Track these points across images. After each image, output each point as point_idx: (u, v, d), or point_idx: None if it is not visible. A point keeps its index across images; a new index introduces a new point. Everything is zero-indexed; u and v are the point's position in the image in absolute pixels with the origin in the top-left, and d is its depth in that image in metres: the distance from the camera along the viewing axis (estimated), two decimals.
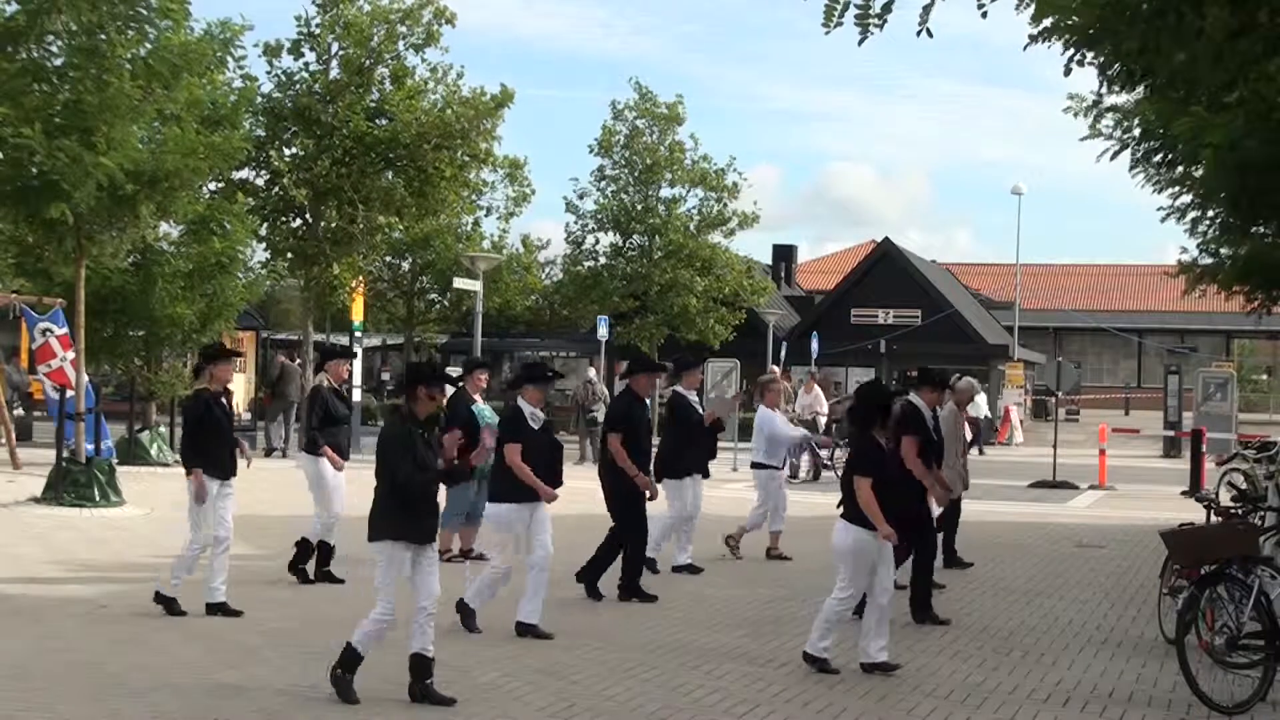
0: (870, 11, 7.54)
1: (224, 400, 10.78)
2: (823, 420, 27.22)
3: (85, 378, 18.49)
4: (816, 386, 28.20)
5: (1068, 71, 8.68)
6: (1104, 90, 11.30)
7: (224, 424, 10.67)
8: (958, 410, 13.16)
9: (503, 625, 10.46)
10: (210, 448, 10.56)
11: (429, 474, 8.09)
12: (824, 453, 25.16)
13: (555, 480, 10.23)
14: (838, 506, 9.31)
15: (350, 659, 8.04)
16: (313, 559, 12.31)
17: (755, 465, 14.82)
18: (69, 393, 18.38)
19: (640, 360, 12.72)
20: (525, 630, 9.98)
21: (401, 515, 8.00)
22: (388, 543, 8.02)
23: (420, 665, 8.02)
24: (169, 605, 10.46)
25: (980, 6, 7.69)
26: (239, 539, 14.84)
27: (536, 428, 10.11)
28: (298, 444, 27.54)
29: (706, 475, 13.69)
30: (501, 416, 10.07)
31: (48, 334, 19.34)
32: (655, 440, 12.92)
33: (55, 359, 19.17)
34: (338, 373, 12.63)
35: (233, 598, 10.61)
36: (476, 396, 13.30)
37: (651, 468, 12.29)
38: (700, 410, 13.69)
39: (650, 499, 11.83)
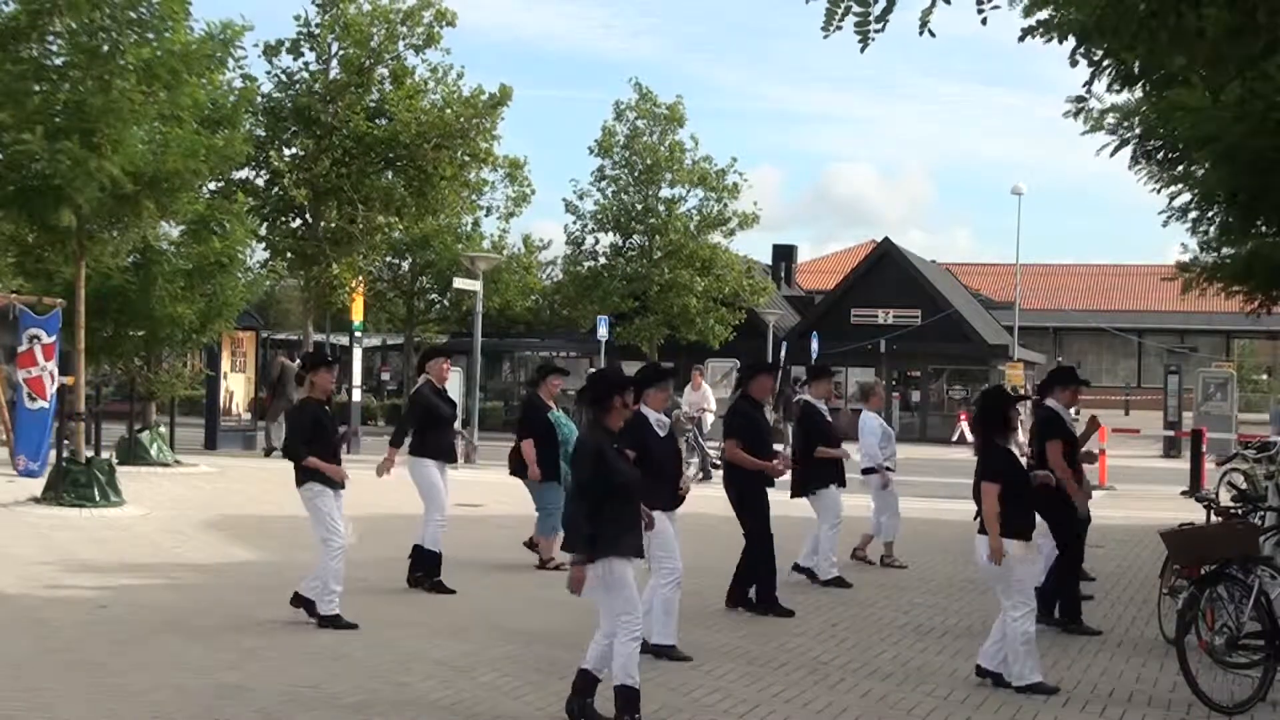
0: (870, 17, 7.54)
1: (328, 409, 10.52)
2: (710, 418, 26.44)
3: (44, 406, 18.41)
4: (704, 383, 27.39)
5: (1074, 63, 8.67)
6: (1102, 89, 11.28)
7: (331, 434, 10.38)
8: None
9: (503, 625, 10.46)
10: (320, 458, 10.27)
11: (632, 487, 7.72)
12: (713, 452, 24.52)
13: (676, 493, 9.68)
14: (975, 518, 9.02)
15: (630, 699, 7.58)
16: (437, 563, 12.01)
17: (866, 471, 14.48)
18: (40, 403, 18.36)
19: (753, 364, 12.16)
20: (663, 652, 9.39)
21: (613, 529, 7.55)
22: (604, 560, 7.54)
23: (626, 698, 7.59)
24: (333, 622, 10.14)
25: (979, 11, 7.71)
26: (247, 542, 14.90)
27: (663, 435, 9.58)
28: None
29: (843, 485, 13.25)
30: (624, 424, 9.73)
31: (34, 341, 19.20)
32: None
33: (35, 367, 19.03)
34: (440, 372, 12.35)
35: (243, 602, 10.57)
36: (550, 402, 13.16)
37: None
38: (830, 420, 13.29)
39: (779, 475, 11.49)
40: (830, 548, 13.04)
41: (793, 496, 13.08)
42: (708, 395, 26.64)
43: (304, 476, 10.32)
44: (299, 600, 10.34)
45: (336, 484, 10.38)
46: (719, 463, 23.93)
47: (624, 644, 7.54)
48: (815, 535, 13.16)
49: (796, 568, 13.03)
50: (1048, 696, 8.64)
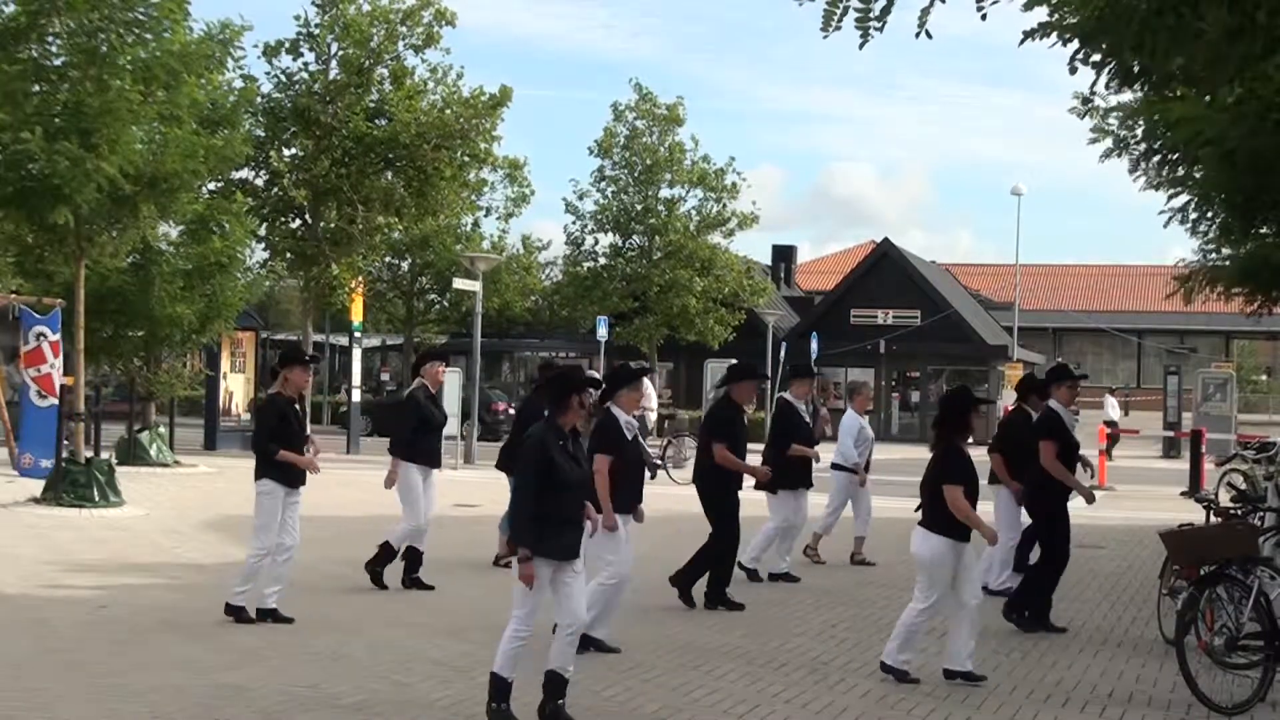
0: (870, 15, 7.52)
1: (297, 407, 10.52)
2: (652, 418, 26.45)
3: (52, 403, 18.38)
4: (646, 381, 27.43)
5: (1073, 70, 8.67)
6: (1103, 89, 11.28)
7: (297, 432, 10.39)
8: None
9: (502, 625, 10.45)
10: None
11: (572, 487, 7.70)
12: (653, 451, 24.44)
13: (638, 495, 9.78)
14: (916, 510, 9.16)
15: (500, 688, 7.60)
16: (390, 564, 12.03)
17: (835, 467, 14.50)
18: (50, 400, 18.36)
19: (741, 367, 12.21)
20: (588, 642, 9.36)
21: (541, 529, 7.54)
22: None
23: (553, 683, 7.63)
24: (237, 615, 10.21)
25: (979, 8, 7.69)
26: (247, 542, 14.89)
27: (630, 438, 9.64)
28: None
29: (809, 486, 13.34)
30: (595, 425, 9.57)
31: (41, 338, 19.26)
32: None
33: (45, 364, 19.09)
34: (434, 377, 12.33)
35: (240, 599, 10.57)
36: None
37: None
38: (808, 421, 13.37)
39: (764, 478, 11.55)
40: (765, 544, 13.00)
41: (755, 488, 13.05)
42: (649, 394, 26.66)
43: (262, 471, 10.33)
44: (264, 613, 10.32)
45: (295, 484, 10.40)
46: (659, 462, 24.06)
47: (506, 638, 7.60)
48: (767, 534, 13.19)
49: (772, 575, 12.99)
50: (975, 685, 8.84)
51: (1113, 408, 35.27)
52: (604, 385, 9.71)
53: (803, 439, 13.13)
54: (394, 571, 12.07)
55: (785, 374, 13.61)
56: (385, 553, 12.04)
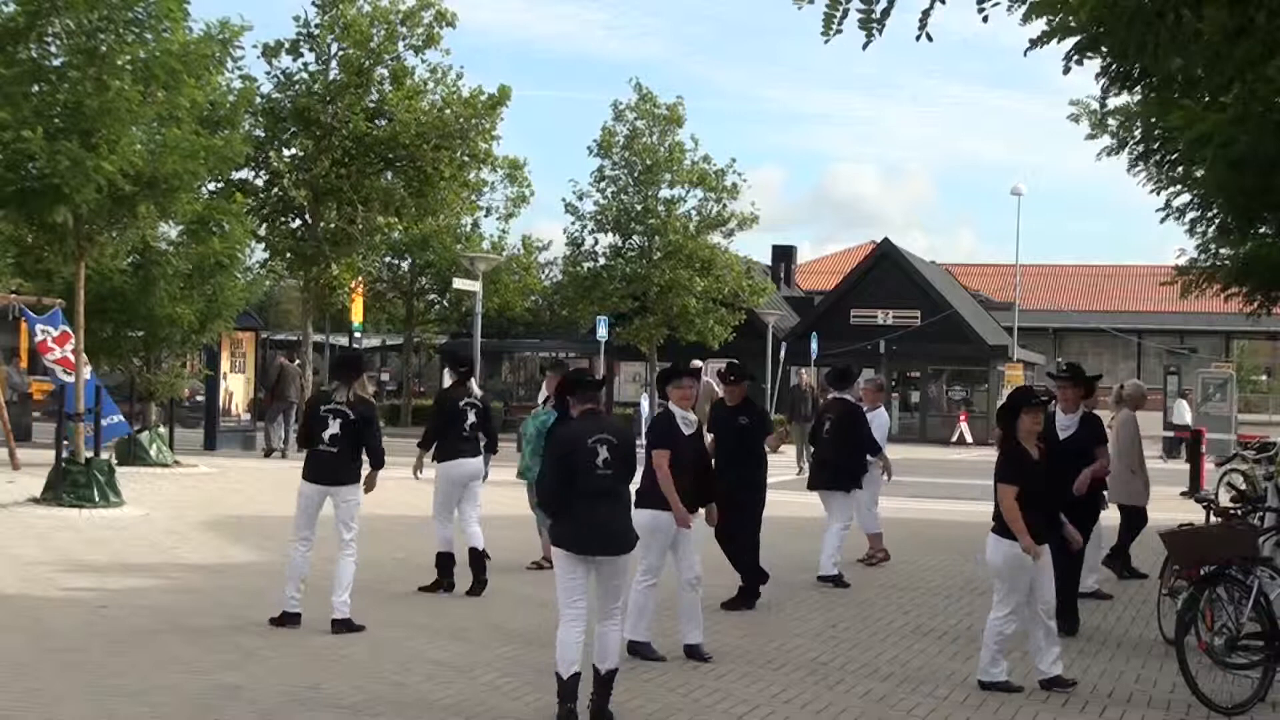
0: (872, 16, 7.51)
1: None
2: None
3: (85, 377, 18.46)
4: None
5: (1066, 70, 8.67)
6: (1103, 91, 11.29)
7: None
8: (1133, 415, 13.10)
9: (503, 626, 10.47)
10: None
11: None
12: None
13: (708, 493, 9.69)
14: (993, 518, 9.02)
15: (606, 681, 7.75)
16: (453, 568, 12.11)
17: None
18: (85, 373, 18.42)
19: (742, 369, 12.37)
20: (692, 653, 9.47)
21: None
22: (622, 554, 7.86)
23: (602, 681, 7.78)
24: (347, 625, 10.03)
25: (980, 10, 7.68)
26: (247, 542, 14.90)
27: (689, 433, 9.53)
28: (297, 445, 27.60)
29: (860, 488, 13.56)
30: (652, 421, 9.59)
31: (45, 334, 19.45)
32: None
33: (59, 349, 19.31)
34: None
35: (243, 603, 10.56)
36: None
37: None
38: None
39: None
40: (837, 547, 13.09)
41: (810, 487, 13.46)
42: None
43: (357, 475, 10.42)
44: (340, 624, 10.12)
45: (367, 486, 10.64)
46: None
47: (616, 631, 7.82)
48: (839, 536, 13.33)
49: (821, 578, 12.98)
50: (1020, 695, 8.67)
51: (1185, 411, 34.57)
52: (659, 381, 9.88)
53: (869, 441, 13.36)
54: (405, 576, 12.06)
55: (834, 375, 14.04)
56: (480, 560, 12.05)
